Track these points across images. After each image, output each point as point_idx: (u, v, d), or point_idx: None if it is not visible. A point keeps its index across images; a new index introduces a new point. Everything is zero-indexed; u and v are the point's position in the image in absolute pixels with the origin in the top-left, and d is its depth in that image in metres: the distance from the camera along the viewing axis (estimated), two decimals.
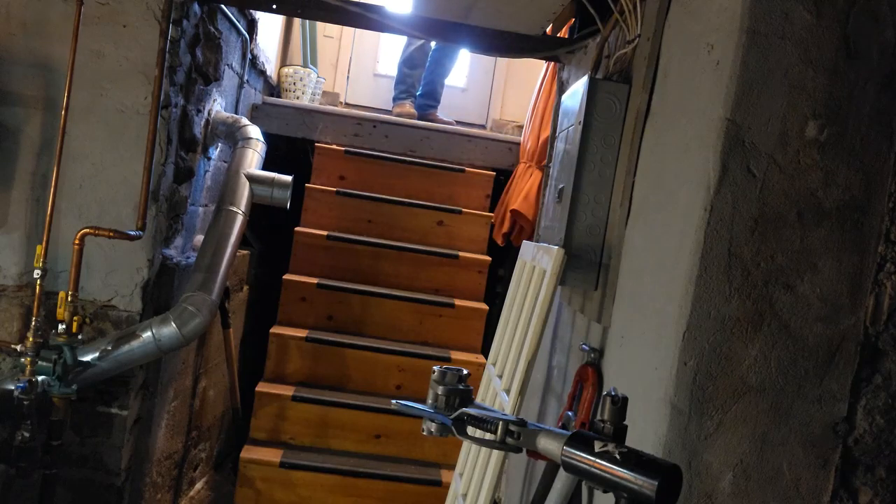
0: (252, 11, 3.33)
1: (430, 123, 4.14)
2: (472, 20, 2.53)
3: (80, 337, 2.26)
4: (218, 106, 3.10)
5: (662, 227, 1.52)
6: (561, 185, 1.99)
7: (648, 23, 1.76)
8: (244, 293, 3.68)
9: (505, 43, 2.60)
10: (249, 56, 3.49)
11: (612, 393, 0.94)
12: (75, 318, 2.24)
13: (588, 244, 1.85)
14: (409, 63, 4.43)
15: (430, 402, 1.06)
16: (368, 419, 3.20)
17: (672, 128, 1.57)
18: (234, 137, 3.06)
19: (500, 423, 0.99)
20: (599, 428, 0.92)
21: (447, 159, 3.93)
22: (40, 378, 2.19)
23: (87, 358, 2.28)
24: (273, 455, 3.05)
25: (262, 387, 3.22)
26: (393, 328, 3.50)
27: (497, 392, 2.04)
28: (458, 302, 3.60)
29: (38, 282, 2.23)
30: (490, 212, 3.91)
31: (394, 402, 1.12)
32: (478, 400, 1.06)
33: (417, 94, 4.42)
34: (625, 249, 1.74)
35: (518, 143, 3.94)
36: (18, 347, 2.22)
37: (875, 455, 1.38)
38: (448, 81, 4.59)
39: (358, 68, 4.90)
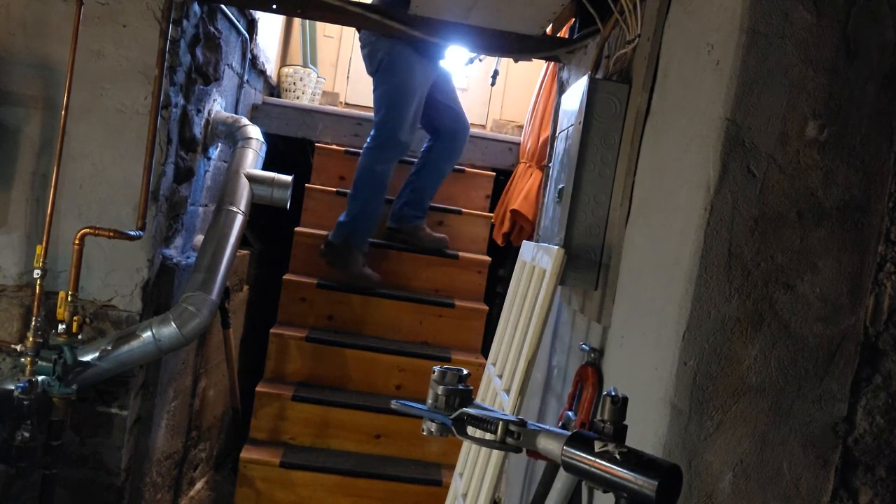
0: (252, 11, 3.33)
1: None
2: (472, 20, 2.53)
3: (80, 337, 2.26)
4: (218, 106, 3.10)
5: (662, 227, 1.52)
6: (561, 185, 1.99)
7: (648, 23, 1.76)
8: (244, 293, 3.68)
9: (505, 43, 2.60)
10: (249, 56, 3.49)
11: (612, 393, 0.94)
12: (75, 318, 2.24)
13: (588, 244, 1.85)
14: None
15: (430, 402, 1.06)
16: (368, 419, 3.20)
17: (672, 128, 1.57)
18: (234, 137, 3.06)
19: (500, 423, 0.99)
20: (599, 428, 0.92)
21: None
22: (40, 378, 2.19)
23: (87, 358, 2.28)
24: (273, 455, 3.05)
25: (262, 387, 3.21)
26: (393, 328, 3.50)
27: (497, 392, 2.04)
28: (458, 302, 3.59)
29: (38, 282, 2.23)
30: (490, 212, 3.91)
31: (394, 402, 1.12)
32: (478, 400, 1.06)
33: (399, 202, 3.59)
34: (625, 249, 1.74)
35: (518, 143, 3.94)
36: (18, 347, 2.22)
37: (875, 455, 1.38)
38: None
39: (358, 68, 4.89)
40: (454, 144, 3.61)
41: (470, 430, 1.03)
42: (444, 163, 3.63)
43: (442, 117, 3.59)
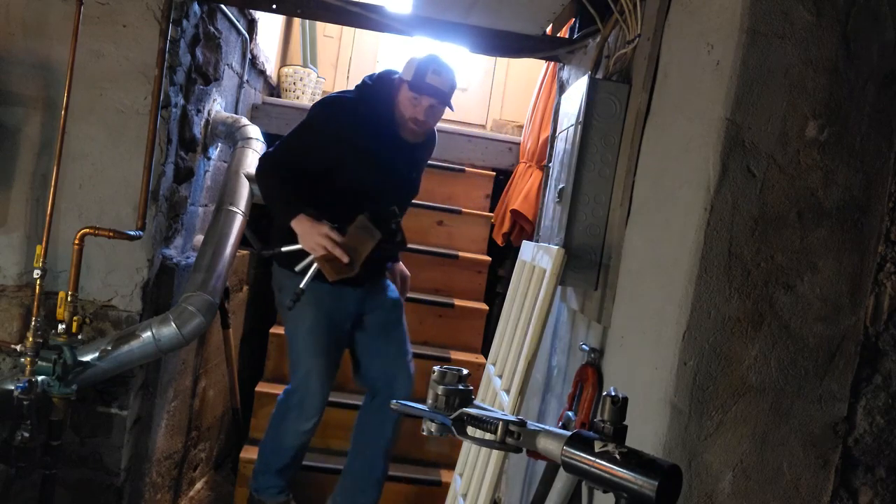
0: (252, 11, 3.33)
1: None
2: (472, 20, 2.53)
3: (79, 337, 2.26)
4: (218, 106, 3.10)
5: (662, 227, 1.52)
6: (561, 185, 1.99)
7: (648, 23, 1.76)
8: (244, 293, 3.68)
9: (505, 43, 2.60)
10: (249, 56, 3.49)
11: (612, 393, 0.94)
12: (75, 318, 2.24)
13: (588, 244, 1.85)
14: None
15: (430, 402, 1.06)
16: None
17: (672, 128, 1.57)
18: (233, 137, 3.06)
19: (500, 423, 0.99)
20: (599, 428, 0.92)
21: (447, 159, 3.92)
22: (40, 378, 2.18)
23: (87, 358, 2.28)
24: None
25: (262, 387, 3.21)
26: None
27: (497, 392, 2.04)
28: (458, 302, 3.59)
29: (38, 282, 2.23)
30: (490, 212, 3.91)
31: (394, 402, 1.12)
32: (478, 400, 1.06)
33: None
34: (625, 249, 1.74)
35: (518, 143, 3.95)
36: (18, 347, 2.21)
37: (875, 455, 1.38)
38: None
39: (358, 68, 4.90)
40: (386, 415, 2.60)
41: (470, 430, 1.03)
42: (382, 442, 2.61)
43: (371, 369, 2.64)
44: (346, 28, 4.60)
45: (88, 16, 2.34)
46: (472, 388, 1.06)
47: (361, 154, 2.35)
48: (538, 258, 2.03)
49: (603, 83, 1.85)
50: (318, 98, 4.44)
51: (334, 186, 2.36)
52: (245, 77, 3.49)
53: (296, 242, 2.29)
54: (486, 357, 2.39)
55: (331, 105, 2.40)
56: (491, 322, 3.51)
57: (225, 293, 3.01)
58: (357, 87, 2.49)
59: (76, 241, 2.26)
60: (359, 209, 2.29)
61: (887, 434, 1.38)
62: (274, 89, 4.34)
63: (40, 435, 2.23)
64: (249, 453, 3.04)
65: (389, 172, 2.42)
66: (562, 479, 1.80)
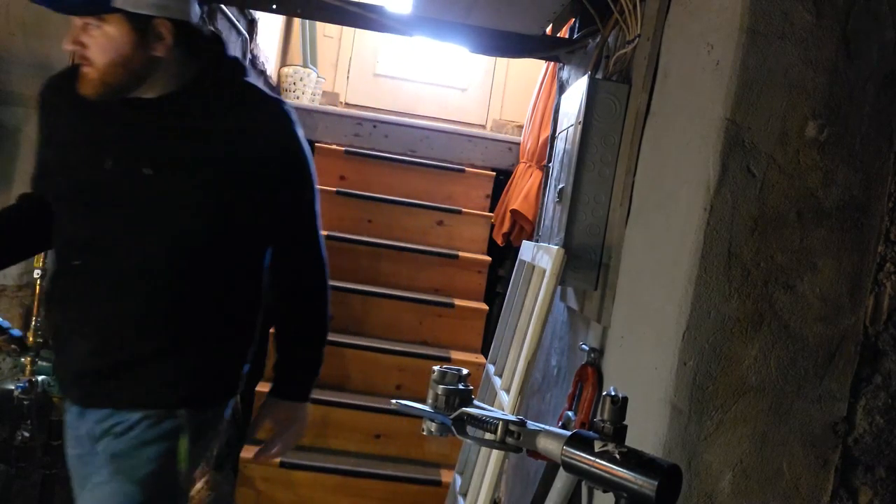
0: (252, 11, 3.33)
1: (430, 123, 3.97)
2: (472, 20, 2.52)
3: None
4: None
5: (662, 227, 1.52)
6: (561, 185, 1.99)
7: (648, 23, 1.76)
8: None
9: (505, 43, 2.60)
10: (249, 56, 3.49)
11: (612, 393, 0.94)
12: None
13: (588, 244, 1.85)
14: None
15: (429, 402, 1.06)
16: (368, 419, 3.20)
17: (672, 128, 1.57)
18: None
19: (500, 423, 0.99)
20: (599, 428, 0.92)
21: (447, 159, 3.93)
22: (40, 378, 2.18)
23: None
24: None
25: (262, 387, 3.21)
26: (393, 328, 3.49)
27: (497, 392, 2.04)
28: (457, 302, 3.59)
29: (38, 282, 2.23)
30: (490, 212, 3.91)
31: (394, 402, 1.12)
32: (478, 400, 1.06)
33: None
34: (625, 249, 1.74)
35: (518, 143, 3.95)
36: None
37: (875, 455, 1.38)
38: (448, 82, 4.54)
39: (358, 68, 4.90)
40: None
41: (470, 430, 1.03)
42: None
43: None
44: (346, 28, 4.60)
45: None
46: (472, 387, 1.06)
47: (67, 140, 1.56)
48: (538, 258, 2.03)
49: (603, 83, 1.85)
50: (318, 98, 4.45)
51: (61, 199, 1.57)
52: None
53: None
54: (486, 357, 2.39)
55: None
56: (491, 322, 3.51)
57: None
58: None
59: None
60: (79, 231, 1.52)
61: (887, 434, 1.38)
62: (274, 89, 4.34)
63: (40, 435, 2.22)
64: (249, 453, 3.04)
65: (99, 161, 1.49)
66: (561, 479, 1.80)
